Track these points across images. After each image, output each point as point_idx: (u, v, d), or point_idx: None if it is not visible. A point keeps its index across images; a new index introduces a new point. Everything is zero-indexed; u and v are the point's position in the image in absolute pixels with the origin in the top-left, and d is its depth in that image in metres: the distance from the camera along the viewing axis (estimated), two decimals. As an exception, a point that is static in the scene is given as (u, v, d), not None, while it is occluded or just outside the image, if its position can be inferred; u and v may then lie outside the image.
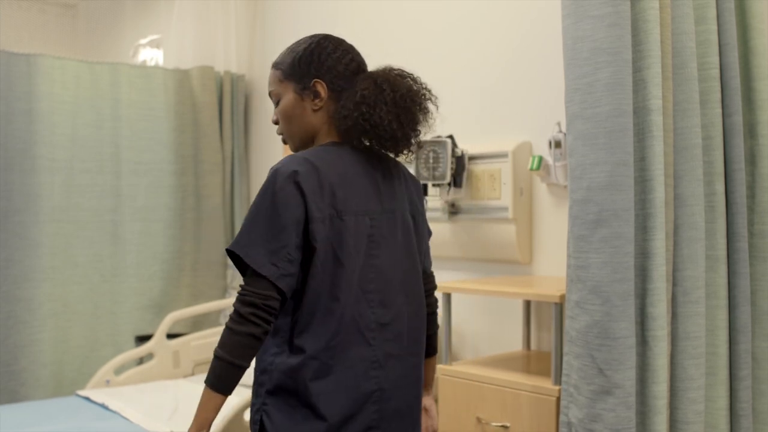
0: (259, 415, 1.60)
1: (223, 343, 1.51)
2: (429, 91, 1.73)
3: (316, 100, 1.67)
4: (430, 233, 1.87)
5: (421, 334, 1.73)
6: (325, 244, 1.57)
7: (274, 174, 1.56)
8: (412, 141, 1.70)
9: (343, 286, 1.59)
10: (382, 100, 1.63)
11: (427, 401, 1.91)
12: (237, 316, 1.52)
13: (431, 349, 1.89)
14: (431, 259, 1.88)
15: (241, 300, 1.52)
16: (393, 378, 1.65)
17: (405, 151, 1.71)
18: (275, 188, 1.55)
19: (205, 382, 1.53)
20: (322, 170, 1.58)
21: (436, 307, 1.90)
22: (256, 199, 1.58)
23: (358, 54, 1.74)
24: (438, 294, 2.95)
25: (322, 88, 1.66)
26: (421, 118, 1.70)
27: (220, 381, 1.51)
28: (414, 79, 1.72)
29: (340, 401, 1.58)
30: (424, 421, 1.89)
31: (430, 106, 1.73)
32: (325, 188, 1.58)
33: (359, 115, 1.62)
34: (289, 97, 1.69)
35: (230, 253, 1.58)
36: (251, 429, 1.63)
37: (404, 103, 1.65)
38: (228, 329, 1.52)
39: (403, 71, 1.72)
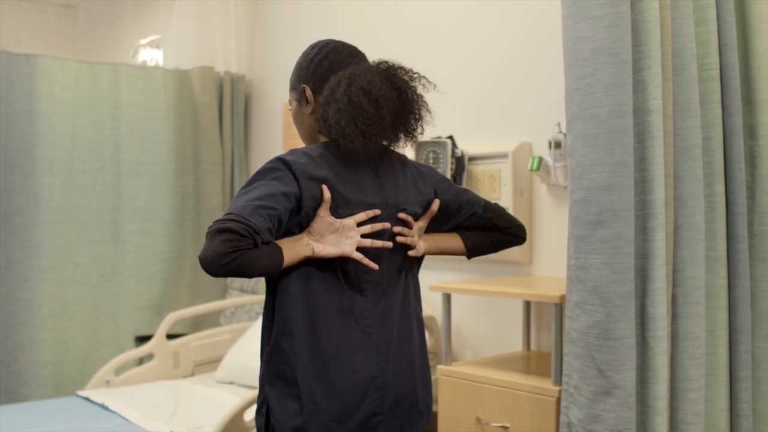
0: (264, 407, 1.63)
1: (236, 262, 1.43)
2: (422, 78, 1.70)
3: (307, 104, 1.71)
4: (476, 199, 1.86)
5: (411, 322, 1.74)
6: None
7: (271, 159, 1.59)
8: (371, 137, 1.60)
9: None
10: (334, 97, 1.61)
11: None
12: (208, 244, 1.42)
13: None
14: (476, 199, 1.86)
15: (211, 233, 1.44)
16: (392, 365, 1.66)
17: (360, 147, 1.60)
18: (268, 168, 1.57)
19: (276, 263, 1.51)
20: (320, 164, 1.61)
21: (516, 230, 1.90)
22: (249, 178, 1.58)
23: (341, 54, 1.70)
24: (438, 294, 2.97)
25: (309, 92, 1.70)
26: (372, 111, 1.58)
27: (268, 264, 1.48)
28: (405, 72, 1.68)
29: (340, 390, 1.59)
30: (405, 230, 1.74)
31: (413, 97, 1.66)
32: (323, 180, 1.59)
33: (320, 115, 1.64)
34: (293, 105, 1.76)
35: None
36: (256, 421, 1.65)
37: (357, 96, 1.59)
38: (211, 260, 1.41)
39: (390, 65, 1.68)
